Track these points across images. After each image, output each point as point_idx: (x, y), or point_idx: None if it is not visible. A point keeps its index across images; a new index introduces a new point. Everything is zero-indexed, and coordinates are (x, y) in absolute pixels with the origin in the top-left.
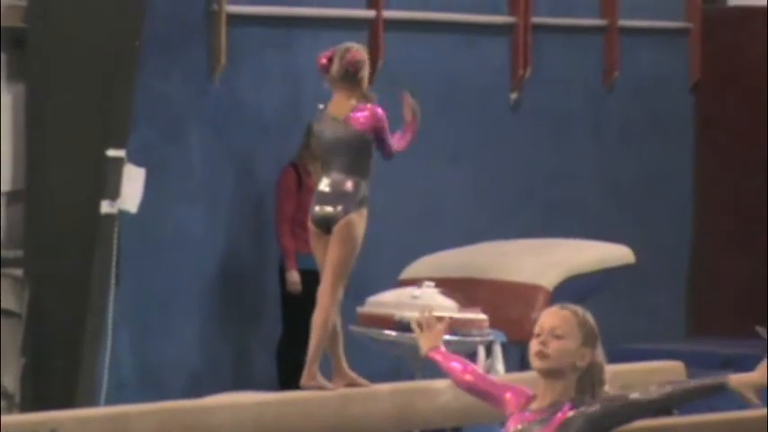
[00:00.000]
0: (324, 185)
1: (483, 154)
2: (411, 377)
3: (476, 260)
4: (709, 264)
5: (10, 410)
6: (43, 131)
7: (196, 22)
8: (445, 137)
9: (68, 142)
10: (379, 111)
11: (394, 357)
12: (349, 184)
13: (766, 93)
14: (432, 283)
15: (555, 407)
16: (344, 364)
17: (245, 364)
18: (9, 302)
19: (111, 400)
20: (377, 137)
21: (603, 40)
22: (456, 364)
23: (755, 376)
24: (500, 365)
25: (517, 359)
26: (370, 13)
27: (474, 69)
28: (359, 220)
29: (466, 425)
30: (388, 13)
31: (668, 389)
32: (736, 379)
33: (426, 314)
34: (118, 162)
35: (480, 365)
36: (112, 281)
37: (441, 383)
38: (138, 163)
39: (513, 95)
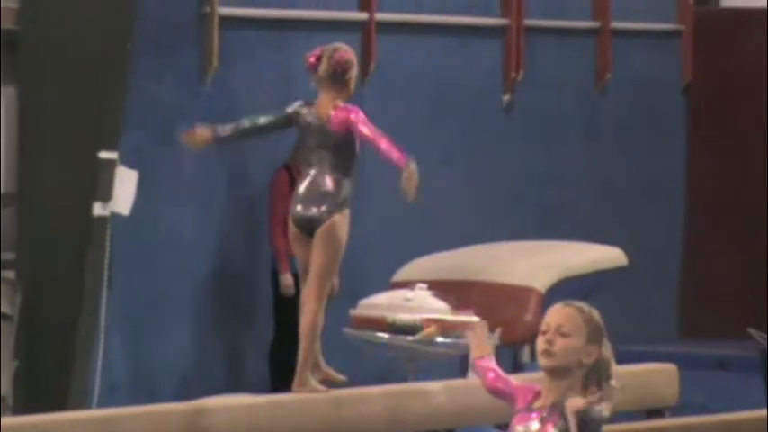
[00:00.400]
0: (305, 185)
1: (475, 156)
2: (404, 379)
3: (468, 262)
4: (701, 265)
5: (2, 413)
6: (35, 134)
7: (188, 24)
8: (438, 139)
9: (60, 144)
10: (352, 107)
11: (386, 359)
12: (330, 183)
13: (759, 94)
14: (424, 286)
15: (556, 406)
16: (321, 359)
17: (237, 367)
18: (1, 305)
19: (103, 403)
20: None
21: (596, 42)
22: (491, 374)
23: None
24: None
25: (509, 361)
26: (363, 16)
27: (466, 71)
28: (341, 222)
29: (459, 427)
30: (381, 16)
31: None
32: None
33: (479, 324)
34: (110, 164)
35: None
36: (105, 283)
37: (434, 385)
38: (130, 165)
39: (506, 97)
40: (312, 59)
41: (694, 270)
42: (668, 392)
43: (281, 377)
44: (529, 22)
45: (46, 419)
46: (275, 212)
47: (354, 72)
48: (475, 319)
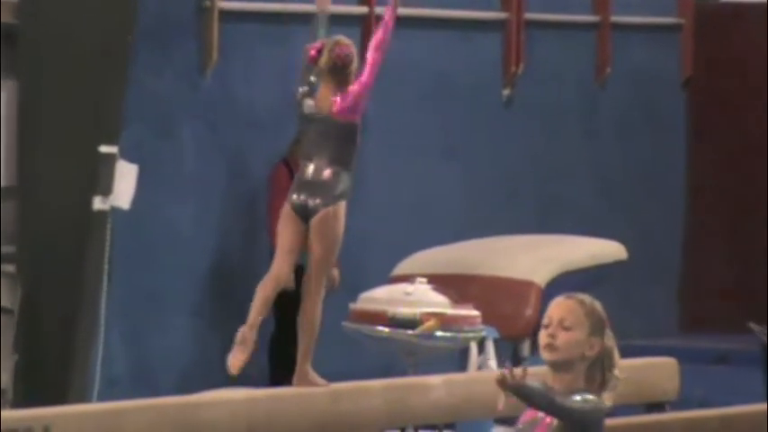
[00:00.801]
0: (304, 175)
1: (475, 150)
2: (403, 373)
3: (468, 256)
4: (701, 259)
5: (2, 407)
6: (35, 127)
7: (188, 17)
8: (438, 133)
9: (60, 138)
10: (356, 87)
11: (386, 353)
12: (328, 173)
13: (759, 88)
14: (424, 280)
15: None
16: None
17: None
18: (2, 299)
19: (103, 397)
20: (372, 49)
21: (596, 36)
22: None
23: None
24: (492, 361)
25: (509, 355)
26: (363, 9)
27: (466, 65)
28: (337, 214)
29: (459, 420)
30: (381, 9)
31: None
32: None
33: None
34: (110, 158)
35: (472, 361)
36: (105, 277)
37: (433, 379)
38: (130, 159)
39: (506, 91)
40: (313, 52)
41: (694, 264)
42: (669, 386)
43: (281, 371)
44: (529, 15)
45: (46, 413)
46: (274, 206)
47: (355, 66)
48: (475, 313)
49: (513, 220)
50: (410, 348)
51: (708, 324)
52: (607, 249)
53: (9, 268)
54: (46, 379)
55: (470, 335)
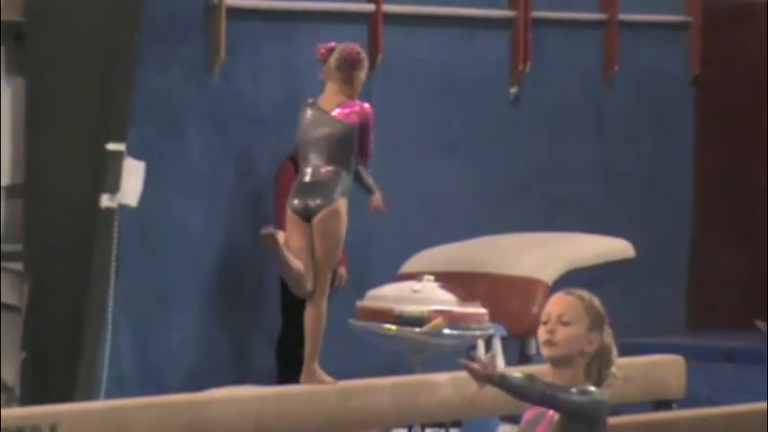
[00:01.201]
0: (303, 177)
1: (482, 148)
2: (411, 371)
3: (475, 254)
4: (708, 257)
5: (9, 404)
6: (42, 125)
7: (195, 15)
8: (445, 131)
9: (68, 136)
10: (368, 107)
11: (393, 351)
12: (328, 173)
13: (766, 87)
14: (431, 277)
15: None
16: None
17: (244, 358)
18: (8, 296)
19: (110, 394)
20: (362, 133)
21: (603, 34)
22: None
23: None
24: (500, 359)
25: (516, 353)
26: (370, 7)
27: (473, 63)
28: (339, 212)
29: (466, 418)
30: (388, 7)
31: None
32: None
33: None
34: (118, 156)
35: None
36: (112, 275)
37: (441, 377)
38: (137, 157)
39: (513, 90)
40: (323, 51)
41: (701, 262)
42: (675, 384)
43: (288, 369)
44: (536, 14)
45: (53, 410)
46: (281, 204)
47: (363, 72)
48: (482, 311)
49: (520, 218)
50: (417, 346)
51: (714, 322)
52: (614, 247)
53: (17, 266)
54: (53, 376)
55: (478, 333)
